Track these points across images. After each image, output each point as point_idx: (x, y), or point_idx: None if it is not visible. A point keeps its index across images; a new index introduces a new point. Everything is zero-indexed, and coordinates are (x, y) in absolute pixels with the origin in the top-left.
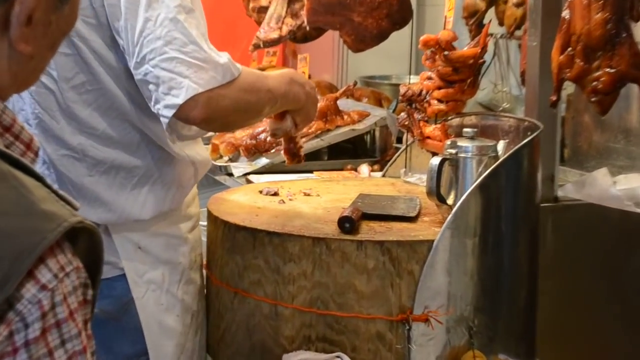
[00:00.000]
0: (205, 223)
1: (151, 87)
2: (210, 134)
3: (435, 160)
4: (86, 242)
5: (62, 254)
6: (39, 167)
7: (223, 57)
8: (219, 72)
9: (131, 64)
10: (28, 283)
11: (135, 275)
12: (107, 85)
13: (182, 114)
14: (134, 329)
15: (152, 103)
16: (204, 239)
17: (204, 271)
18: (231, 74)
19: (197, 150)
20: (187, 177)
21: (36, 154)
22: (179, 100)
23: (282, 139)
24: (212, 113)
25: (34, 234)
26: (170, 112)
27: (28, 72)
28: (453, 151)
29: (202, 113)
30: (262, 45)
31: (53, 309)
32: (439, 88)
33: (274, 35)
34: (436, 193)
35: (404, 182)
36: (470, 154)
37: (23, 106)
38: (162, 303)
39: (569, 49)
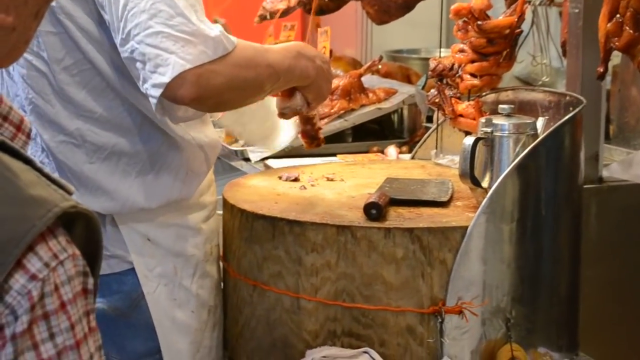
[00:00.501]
0: (221, 212)
1: (138, 65)
2: (218, 115)
3: (469, 140)
4: (83, 229)
5: (55, 240)
6: (37, 156)
7: (214, 30)
8: (209, 46)
9: (117, 41)
10: (17, 273)
11: (145, 269)
12: (99, 64)
13: (170, 93)
14: (146, 325)
15: (141, 82)
16: (220, 228)
17: (221, 263)
18: (223, 48)
19: (205, 132)
20: (197, 162)
21: (28, 135)
22: (166, 79)
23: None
24: (203, 91)
25: (21, 221)
26: (157, 92)
27: (11, 44)
28: (488, 130)
29: (192, 92)
30: (268, 17)
31: (42, 300)
32: (472, 61)
33: (281, 5)
34: (470, 175)
35: (435, 165)
36: (506, 132)
37: (17, 91)
38: (174, 298)
39: (617, 15)
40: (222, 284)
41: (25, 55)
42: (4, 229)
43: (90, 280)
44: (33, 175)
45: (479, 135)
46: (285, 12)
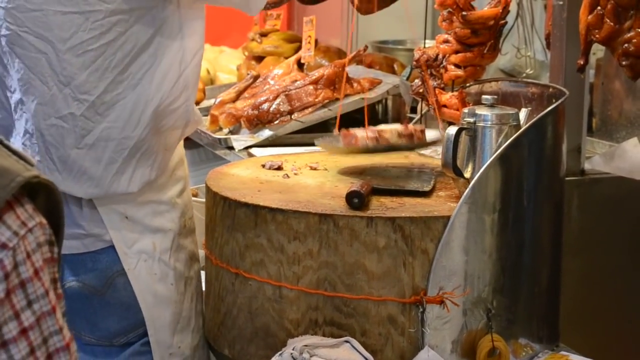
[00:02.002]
0: (203, 199)
1: None
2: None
3: (452, 130)
4: (45, 200)
5: (22, 209)
6: (19, 139)
7: None
8: None
9: None
10: None
11: (124, 246)
12: (106, 43)
13: None
14: (120, 304)
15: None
16: (202, 216)
17: (202, 251)
18: None
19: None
20: (172, 139)
21: None
22: None
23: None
24: None
25: None
26: None
27: None
28: (471, 120)
29: None
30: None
31: (16, 269)
32: (457, 52)
33: None
34: (452, 165)
35: (418, 155)
36: (489, 122)
37: (10, 70)
38: (155, 272)
39: (598, 7)
40: (197, 254)
41: (26, 35)
42: None
43: (56, 249)
44: None
45: (461, 126)
46: (280, 2)
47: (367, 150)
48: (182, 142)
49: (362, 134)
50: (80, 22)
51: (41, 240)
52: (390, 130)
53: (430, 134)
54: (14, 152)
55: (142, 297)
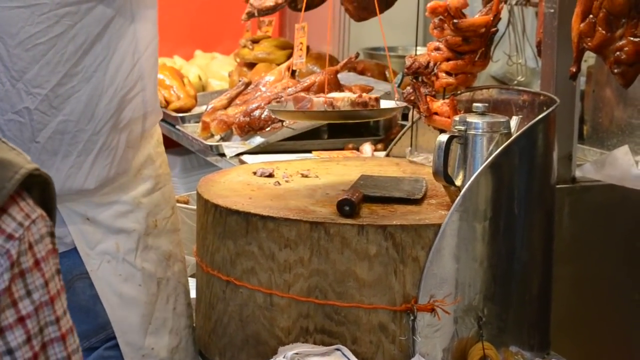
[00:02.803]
0: (194, 206)
1: None
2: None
3: (443, 137)
4: (39, 193)
5: (24, 202)
6: None
7: None
8: None
9: None
10: None
11: (87, 247)
12: (55, 37)
13: None
14: (78, 308)
15: None
16: (192, 223)
17: (193, 259)
18: None
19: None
20: (134, 135)
21: None
22: None
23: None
24: None
25: None
26: None
27: None
28: (462, 128)
29: None
30: (256, 14)
31: (18, 258)
32: (448, 60)
33: (270, 2)
34: (443, 173)
35: (409, 162)
36: (480, 130)
37: None
38: (120, 273)
39: (590, 16)
40: (176, 255)
41: None
42: None
43: (55, 241)
44: None
45: (452, 133)
46: (273, 9)
47: (320, 117)
48: (154, 141)
49: (318, 99)
50: (26, 16)
51: (43, 232)
52: (343, 98)
53: (385, 103)
54: (12, 147)
55: (105, 299)
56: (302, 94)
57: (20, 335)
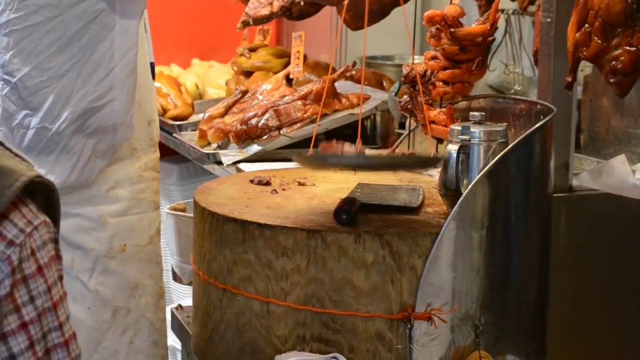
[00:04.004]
0: (191, 214)
1: None
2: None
3: (453, 148)
4: (43, 199)
5: (27, 208)
6: None
7: None
8: None
9: None
10: None
11: None
12: (34, 25)
13: None
14: None
15: None
16: (189, 231)
17: (189, 266)
18: None
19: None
20: (102, 145)
21: None
22: None
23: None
24: None
25: None
26: None
27: None
28: (466, 137)
29: None
30: (251, 23)
31: (20, 265)
32: (445, 68)
33: (265, 11)
34: (455, 184)
35: (407, 171)
36: (477, 139)
37: None
38: (69, 291)
39: (586, 25)
40: (146, 288)
41: None
42: None
43: (59, 247)
44: None
45: (462, 142)
46: (268, 18)
47: (350, 167)
48: (140, 164)
49: (349, 150)
50: (8, 1)
51: (46, 239)
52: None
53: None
54: (16, 154)
55: None
56: (333, 143)
57: (23, 341)
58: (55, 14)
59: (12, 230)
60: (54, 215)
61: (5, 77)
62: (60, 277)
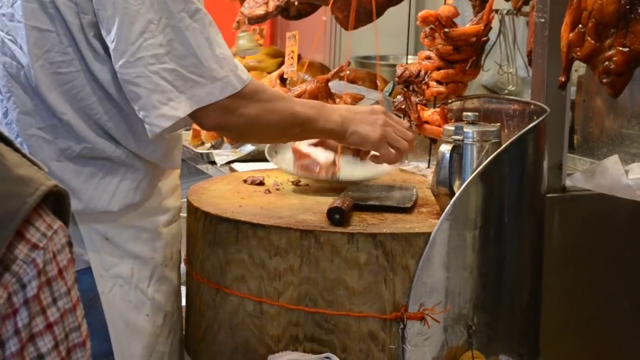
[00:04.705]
0: (185, 214)
1: (142, 91)
2: None
3: (446, 149)
4: (54, 206)
5: (45, 214)
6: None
7: (224, 69)
8: (216, 88)
9: (120, 61)
10: (19, 244)
11: (102, 269)
12: (78, 71)
13: (178, 125)
14: (101, 326)
15: (139, 107)
16: (183, 231)
17: (184, 267)
18: (232, 88)
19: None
20: (159, 169)
21: None
22: (179, 114)
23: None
24: (218, 123)
25: (14, 198)
26: (166, 123)
27: None
28: (459, 138)
29: (211, 123)
30: (247, 22)
31: (44, 267)
32: (439, 69)
33: (260, 11)
34: (449, 184)
35: (400, 171)
36: (470, 139)
37: None
38: (130, 300)
39: (580, 25)
40: (180, 290)
41: (10, 44)
42: None
43: (73, 250)
44: (16, 156)
45: (455, 143)
46: (264, 18)
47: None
48: (178, 174)
49: (324, 161)
50: (54, 43)
51: (64, 242)
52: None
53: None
54: (33, 162)
55: (112, 323)
56: (308, 151)
57: (49, 341)
58: (90, 70)
59: (35, 235)
60: (65, 220)
61: (57, 114)
62: (76, 280)
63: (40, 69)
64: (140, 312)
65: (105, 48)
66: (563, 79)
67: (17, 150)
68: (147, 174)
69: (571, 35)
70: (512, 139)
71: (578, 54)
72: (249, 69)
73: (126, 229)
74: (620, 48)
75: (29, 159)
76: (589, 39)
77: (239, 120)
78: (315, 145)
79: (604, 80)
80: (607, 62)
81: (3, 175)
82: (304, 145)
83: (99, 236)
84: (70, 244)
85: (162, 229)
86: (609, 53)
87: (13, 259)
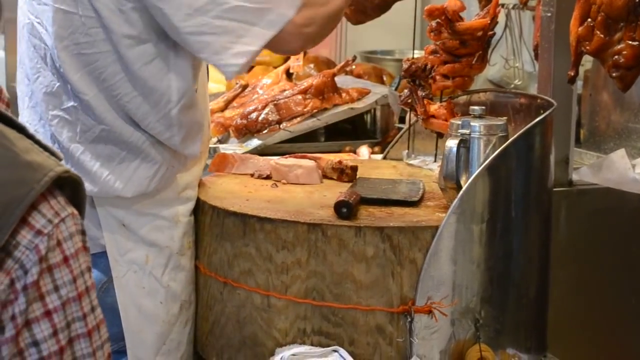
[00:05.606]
0: None
1: (209, 37)
2: None
3: (453, 142)
4: (70, 192)
5: (55, 200)
6: (34, 124)
7: None
8: (285, 6)
9: (177, 17)
10: (23, 230)
11: (117, 254)
12: (99, 53)
13: (277, 46)
14: (112, 309)
15: (209, 54)
16: None
17: None
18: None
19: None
20: (181, 159)
21: (7, 104)
22: (253, 47)
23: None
24: (300, 45)
25: (20, 184)
26: (242, 59)
27: None
28: (466, 131)
29: (291, 47)
30: None
31: (47, 254)
32: (445, 63)
33: None
34: (456, 178)
35: (407, 165)
36: (477, 133)
37: (24, 59)
38: (143, 286)
39: (589, 19)
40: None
41: (38, 27)
42: (5, 192)
43: (86, 239)
44: (27, 143)
45: (461, 137)
46: None
47: None
48: (203, 164)
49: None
50: (78, 25)
51: (73, 230)
52: (327, 160)
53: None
54: (46, 148)
55: (124, 308)
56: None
57: (46, 328)
58: (115, 49)
59: (40, 221)
60: (79, 208)
61: (79, 94)
62: (88, 269)
63: (64, 50)
64: (154, 299)
65: (135, 21)
66: (572, 73)
67: (30, 136)
68: (164, 164)
69: (580, 29)
70: (519, 133)
71: (587, 48)
72: (256, 63)
73: (142, 216)
74: (630, 42)
75: (42, 145)
76: (598, 32)
77: (315, 29)
78: (297, 157)
79: (614, 74)
80: (616, 56)
81: (11, 161)
82: (284, 160)
83: (116, 221)
84: (82, 232)
85: (181, 218)
86: (619, 47)
87: (16, 244)
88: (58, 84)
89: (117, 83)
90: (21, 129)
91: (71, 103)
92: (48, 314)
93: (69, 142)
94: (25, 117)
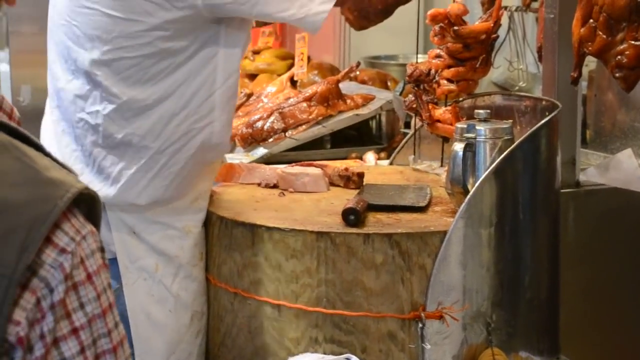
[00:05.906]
0: None
1: None
2: None
3: (459, 147)
4: (86, 209)
5: (75, 218)
6: (61, 126)
7: None
8: None
9: None
10: (47, 249)
11: (127, 261)
12: (132, 53)
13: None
14: (122, 316)
15: (297, 7)
16: None
17: None
18: None
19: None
20: (197, 163)
21: (18, 123)
22: None
23: None
24: None
25: (45, 202)
26: (328, 5)
27: None
28: (472, 135)
29: None
30: (254, 24)
31: (71, 272)
32: (449, 67)
33: None
34: (463, 182)
35: (413, 170)
36: (482, 137)
37: (51, 64)
38: (153, 294)
39: (591, 20)
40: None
41: (76, 30)
42: (30, 210)
43: (105, 256)
44: (46, 160)
45: (467, 141)
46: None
47: None
48: (215, 174)
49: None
50: (122, 28)
51: (94, 247)
52: (333, 168)
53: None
54: (62, 166)
55: (133, 315)
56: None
57: (74, 346)
58: (166, 46)
59: (63, 239)
60: (96, 224)
61: (110, 98)
62: (109, 285)
63: (107, 53)
64: (163, 307)
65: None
66: (575, 75)
67: (47, 155)
68: (181, 173)
69: (582, 30)
70: (525, 135)
71: (590, 49)
72: (260, 71)
73: (153, 224)
74: (632, 42)
75: (58, 163)
76: (601, 33)
77: None
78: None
79: (617, 75)
80: (619, 57)
81: (34, 178)
82: (291, 169)
83: (127, 229)
84: (101, 250)
85: (192, 229)
86: (621, 47)
87: (41, 263)
88: (88, 87)
89: (160, 80)
90: (38, 147)
91: (96, 107)
92: (75, 331)
93: (92, 146)
94: (55, 116)
